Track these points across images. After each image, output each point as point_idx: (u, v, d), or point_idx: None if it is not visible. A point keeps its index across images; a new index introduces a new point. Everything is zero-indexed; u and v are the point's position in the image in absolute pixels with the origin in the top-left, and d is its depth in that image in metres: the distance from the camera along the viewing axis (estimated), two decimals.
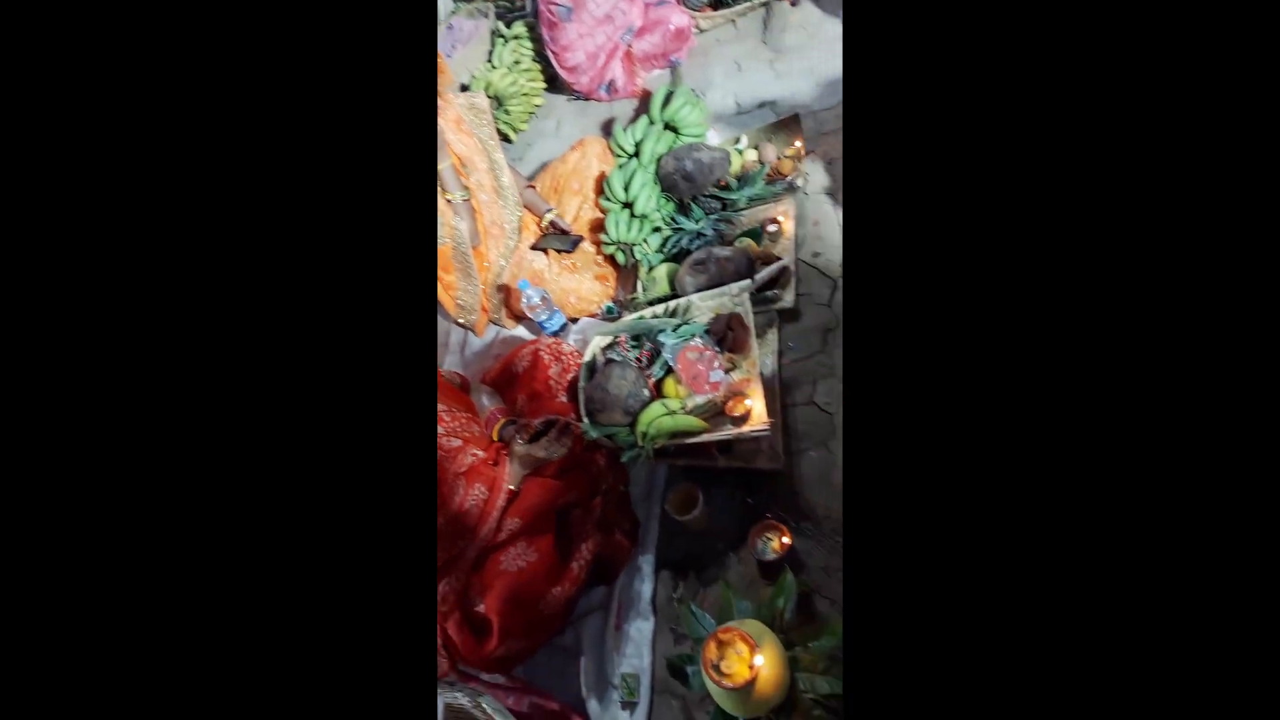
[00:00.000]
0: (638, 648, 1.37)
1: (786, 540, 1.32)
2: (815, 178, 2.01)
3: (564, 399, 1.64)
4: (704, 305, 1.62)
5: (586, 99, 2.76)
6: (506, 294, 2.07)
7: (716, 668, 1.03)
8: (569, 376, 1.68)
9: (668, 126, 2.12)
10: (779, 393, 1.56)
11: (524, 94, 2.77)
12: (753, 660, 1.01)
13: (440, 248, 1.99)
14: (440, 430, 1.48)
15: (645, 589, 1.44)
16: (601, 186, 2.08)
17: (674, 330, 1.55)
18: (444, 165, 1.90)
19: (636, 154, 2.06)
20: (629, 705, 1.30)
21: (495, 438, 1.58)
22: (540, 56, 2.80)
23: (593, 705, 1.32)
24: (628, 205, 1.99)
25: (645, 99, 2.45)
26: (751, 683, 1.00)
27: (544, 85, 2.85)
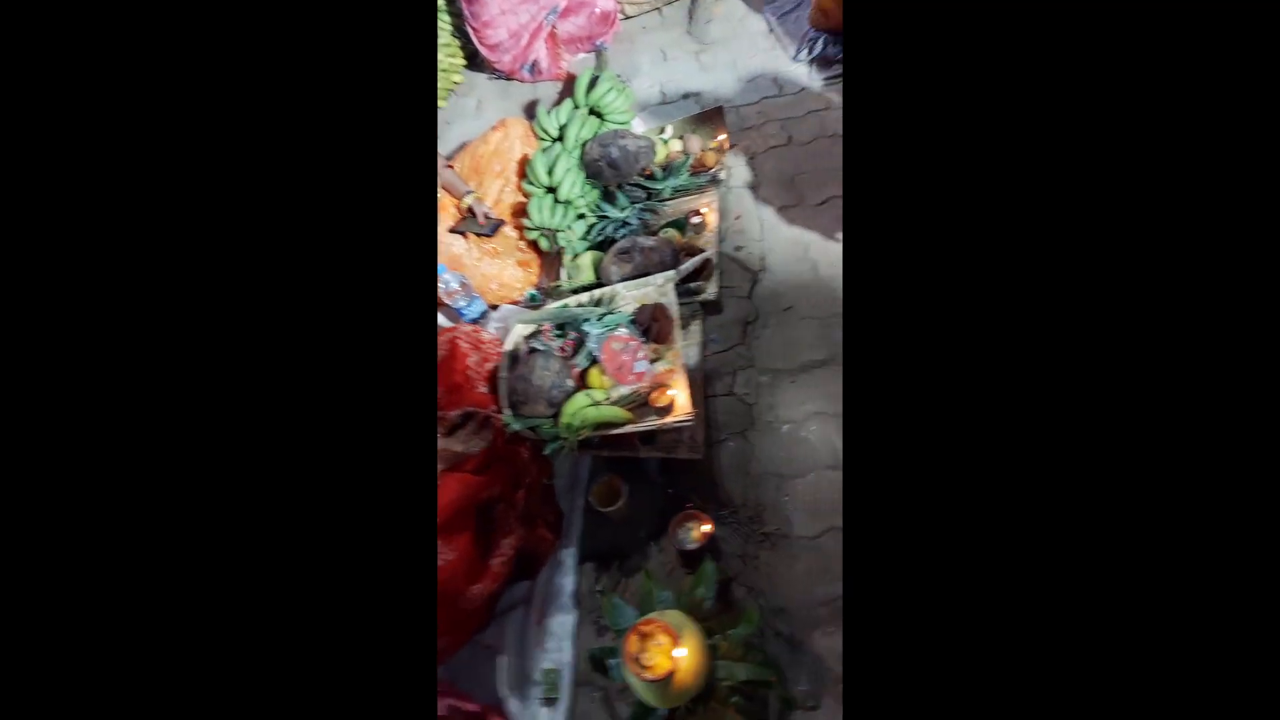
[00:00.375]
0: (559, 642, 1.35)
1: (707, 529, 1.34)
2: (738, 172, 2.04)
3: (484, 390, 1.58)
4: (629, 295, 1.60)
5: (508, 79, 2.66)
6: None
7: (638, 660, 1.03)
8: (489, 366, 1.62)
9: (593, 112, 2.08)
10: (701, 384, 1.58)
11: (442, 70, 2.63)
12: (674, 652, 1.02)
13: None
14: None
15: (568, 582, 1.42)
16: (524, 170, 2.02)
17: (599, 320, 1.53)
18: None
19: (560, 138, 2.01)
20: (549, 701, 1.28)
21: None
22: (460, 32, 2.67)
23: (513, 704, 1.29)
24: (551, 190, 1.94)
25: (570, 82, 2.39)
26: (672, 674, 1.00)
27: (464, 62, 2.73)
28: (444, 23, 2.69)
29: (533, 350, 1.55)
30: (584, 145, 1.97)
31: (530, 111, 2.50)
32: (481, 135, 2.12)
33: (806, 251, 1.76)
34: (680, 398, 1.42)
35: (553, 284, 1.90)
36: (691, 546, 1.32)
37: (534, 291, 1.92)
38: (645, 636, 1.05)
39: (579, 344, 1.55)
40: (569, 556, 1.45)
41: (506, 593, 1.44)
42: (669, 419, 1.39)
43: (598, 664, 1.19)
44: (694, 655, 1.04)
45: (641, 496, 1.47)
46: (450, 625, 1.32)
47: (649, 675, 1.00)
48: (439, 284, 1.78)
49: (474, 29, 2.52)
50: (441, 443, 1.42)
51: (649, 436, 1.48)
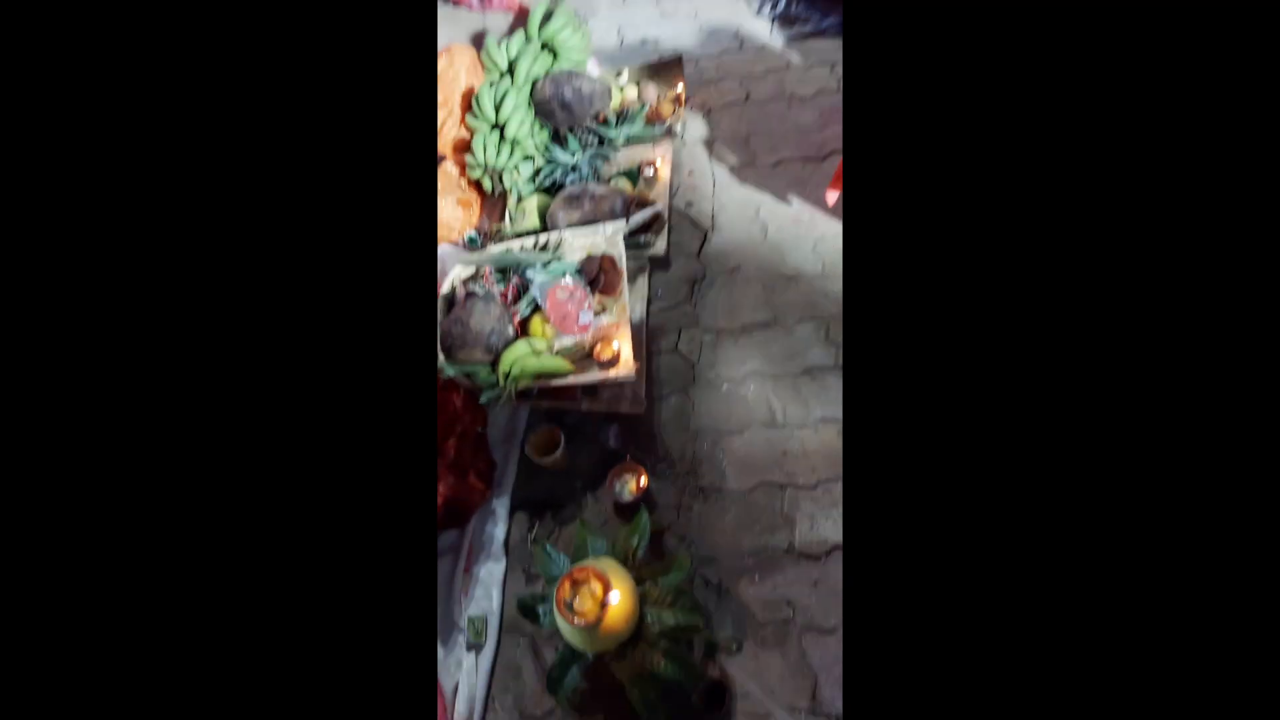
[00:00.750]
0: (487, 590, 1.34)
1: (644, 482, 1.34)
2: (693, 126, 1.99)
3: None
4: (576, 243, 1.55)
5: (456, 4, 2.47)
6: None
7: (569, 605, 1.03)
8: None
9: (545, 47, 1.97)
10: (644, 339, 1.57)
11: None
12: (606, 598, 1.03)
13: None
14: None
15: (498, 531, 1.40)
16: (469, 103, 1.89)
17: (544, 266, 1.48)
18: None
19: (510, 72, 1.90)
20: (474, 647, 1.28)
21: None
22: None
23: (438, 651, 1.27)
24: (498, 127, 1.83)
25: (522, 14, 2.25)
26: (602, 619, 1.01)
27: None
28: None
29: (471, 294, 1.48)
30: (535, 83, 1.87)
31: (478, 41, 2.34)
32: None
33: (758, 213, 1.75)
34: (624, 351, 1.41)
35: (495, 227, 1.81)
36: (628, 498, 1.32)
37: (474, 234, 1.83)
38: (577, 583, 1.05)
39: (522, 290, 1.49)
40: (501, 506, 1.43)
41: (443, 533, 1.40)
42: (612, 372, 1.37)
43: (527, 610, 1.19)
44: (625, 601, 1.05)
45: (579, 448, 1.45)
46: None
47: (580, 620, 1.01)
48: None
49: None
50: None
51: (590, 389, 1.46)
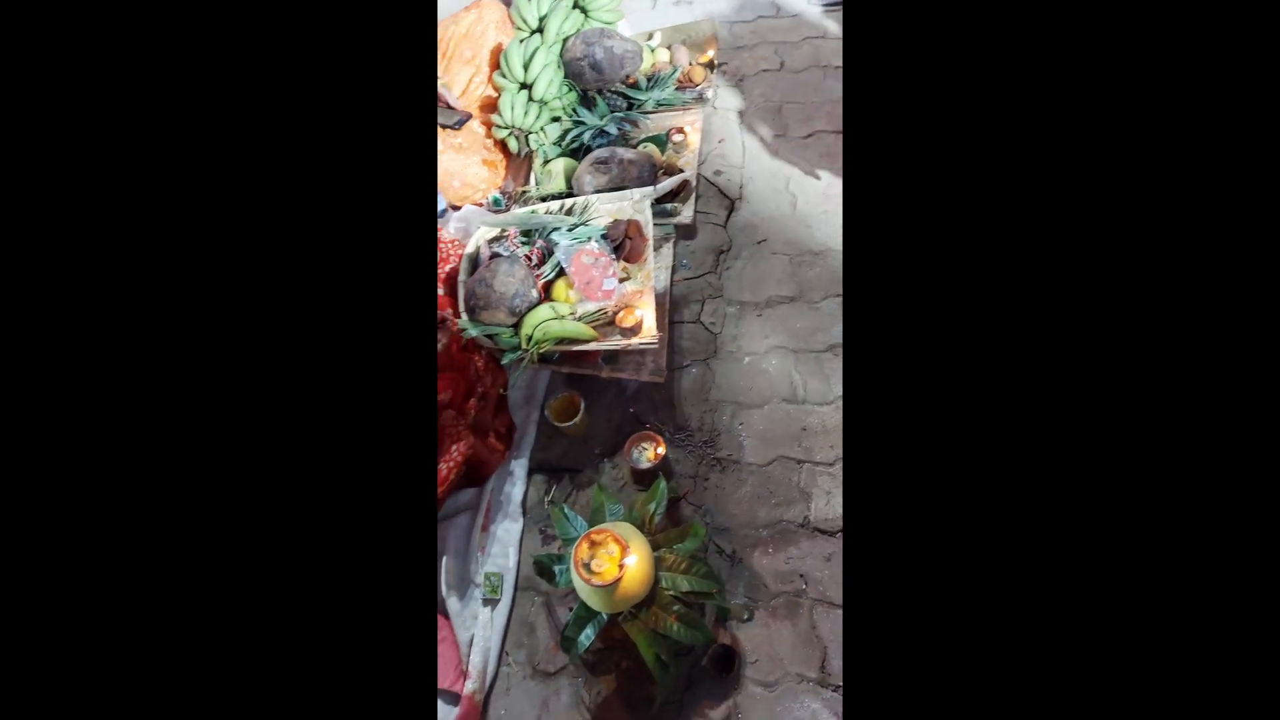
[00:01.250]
0: (504, 548, 1.36)
1: (661, 450, 1.35)
2: (724, 94, 1.95)
3: (440, 292, 1.51)
4: (603, 208, 1.54)
5: None
6: None
7: (587, 566, 1.05)
8: (447, 268, 1.54)
9: (577, 5, 1.92)
10: (668, 308, 1.56)
11: None
12: (623, 560, 1.04)
13: None
14: None
15: (516, 492, 1.42)
16: (497, 60, 1.86)
17: (569, 230, 1.46)
18: None
19: (540, 30, 1.85)
20: (490, 602, 1.31)
21: None
22: None
23: (452, 603, 1.30)
24: (526, 86, 1.80)
25: None
26: (619, 581, 1.03)
27: None
28: None
29: (496, 255, 1.47)
30: (565, 41, 1.83)
31: None
32: (452, 15, 1.93)
33: (787, 185, 1.72)
34: (647, 319, 1.40)
35: (520, 189, 1.80)
36: (646, 466, 1.33)
37: (498, 195, 1.81)
38: (595, 545, 1.06)
39: (546, 253, 1.48)
40: (519, 467, 1.45)
41: (452, 498, 1.42)
42: (634, 340, 1.37)
43: (544, 570, 1.21)
44: (641, 564, 1.06)
45: (598, 414, 1.46)
46: None
47: (597, 581, 1.03)
48: None
49: None
50: None
51: (611, 356, 1.46)
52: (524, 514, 1.40)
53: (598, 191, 1.60)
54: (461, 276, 1.46)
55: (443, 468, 1.35)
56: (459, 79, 1.88)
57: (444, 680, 1.21)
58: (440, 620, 1.28)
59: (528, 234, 1.51)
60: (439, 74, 1.84)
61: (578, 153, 1.79)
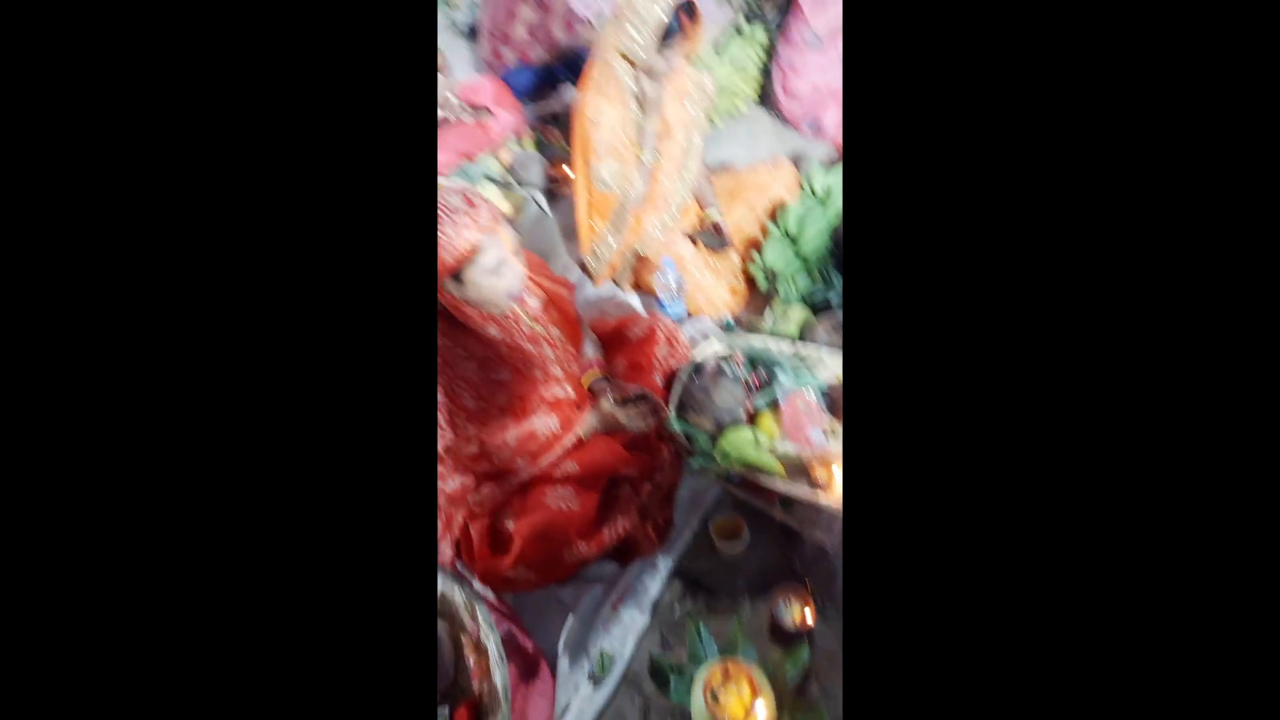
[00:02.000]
0: (624, 633, 1.39)
1: (809, 616, 1.32)
2: None
3: (659, 381, 1.67)
4: (831, 364, 1.63)
5: (787, 124, 2.78)
6: (642, 264, 2.11)
7: (714, 694, 1.05)
8: (673, 363, 1.71)
9: None
10: None
11: (735, 95, 2.81)
12: (752, 705, 1.03)
13: (605, 194, 2.03)
14: (550, 354, 1.53)
15: (654, 587, 1.46)
16: (775, 212, 2.10)
17: (795, 372, 1.56)
18: (648, 124, 1.94)
19: (823, 202, 2.08)
20: (595, 679, 1.33)
21: (584, 384, 1.62)
22: (764, 69, 2.84)
23: (562, 663, 1.35)
24: (792, 239, 2.01)
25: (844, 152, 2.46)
26: None
27: (754, 96, 2.89)
28: (755, 55, 2.87)
29: (721, 371, 1.61)
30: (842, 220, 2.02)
31: (796, 161, 2.60)
32: (752, 165, 2.24)
33: None
34: (837, 480, 1.42)
35: (754, 320, 1.96)
36: (788, 625, 1.31)
37: (731, 320, 1.99)
38: (729, 677, 1.06)
39: (765, 384, 1.59)
40: (664, 565, 1.49)
41: (597, 564, 1.50)
42: (818, 496, 1.39)
43: (658, 673, 1.22)
44: (767, 717, 1.04)
45: (757, 549, 1.48)
46: (542, 564, 1.41)
47: (721, 713, 1.02)
48: (661, 274, 1.91)
49: (781, 72, 2.67)
50: (610, 408, 1.52)
51: (790, 501, 1.49)
52: (653, 612, 1.43)
53: (829, 346, 1.70)
54: (682, 375, 1.61)
55: (604, 532, 1.45)
56: (733, 215, 2.15)
57: None
58: (544, 673, 1.33)
59: (754, 361, 1.64)
60: (717, 204, 2.12)
61: (816, 308, 1.93)
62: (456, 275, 1.26)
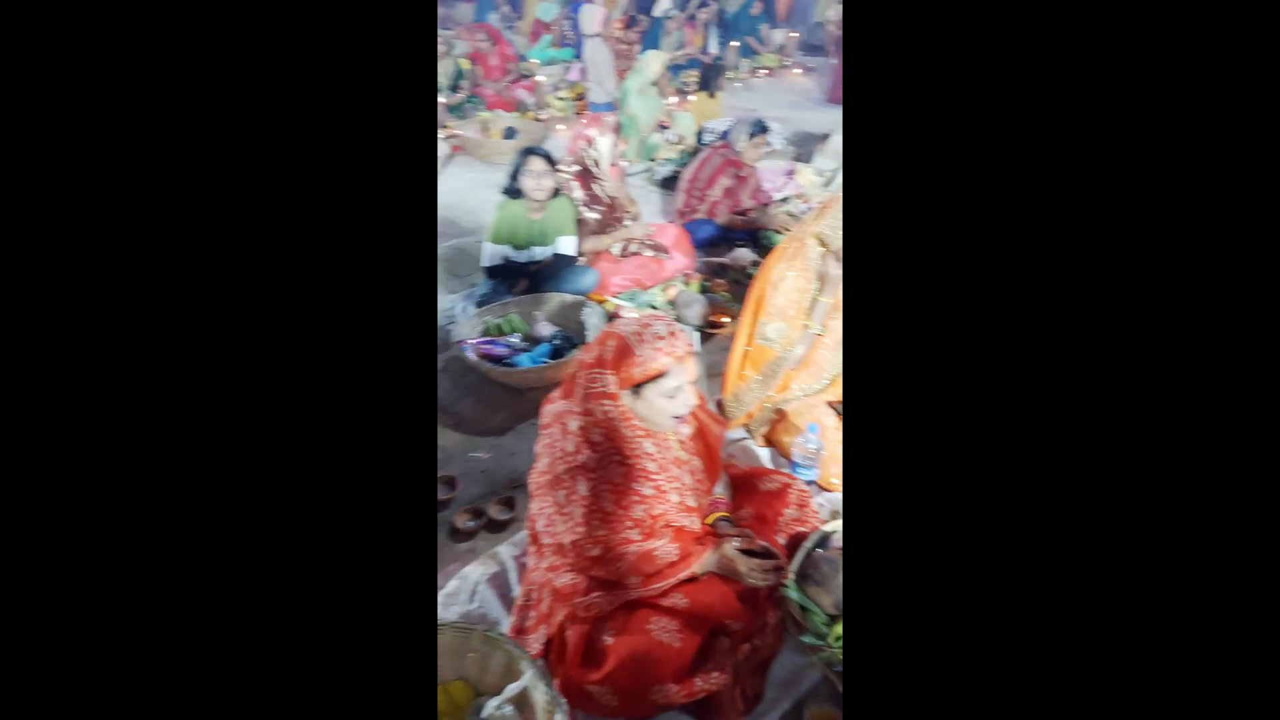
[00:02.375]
0: None
1: None
2: None
3: (783, 542, 1.66)
4: None
5: None
6: (781, 419, 2.17)
7: None
8: (800, 528, 1.69)
9: None
10: None
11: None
12: None
13: (764, 348, 2.16)
14: (689, 481, 1.58)
15: None
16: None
17: None
18: (825, 300, 2.09)
19: None
20: None
21: (707, 521, 1.64)
22: None
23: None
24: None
25: None
26: None
27: None
28: None
29: None
30: None
31: None
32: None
33: None
34: None
35: None
36: None
37: None
38: None
39: None
40: None
41: (679, 711, 1.43)
42: None
43: None
44: None
45: None
46: (628, 692, 1.36)
47: None
48: (804, 437, 1.95)
49: None
50: (733, 553, 1.52)
51: None
52: None
53: None
54: (809, 545, 1.59)
55: (697, 680, 1.39)
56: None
57: None
58: None
59: None
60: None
61: None
62: (637, 389, 1.39)
